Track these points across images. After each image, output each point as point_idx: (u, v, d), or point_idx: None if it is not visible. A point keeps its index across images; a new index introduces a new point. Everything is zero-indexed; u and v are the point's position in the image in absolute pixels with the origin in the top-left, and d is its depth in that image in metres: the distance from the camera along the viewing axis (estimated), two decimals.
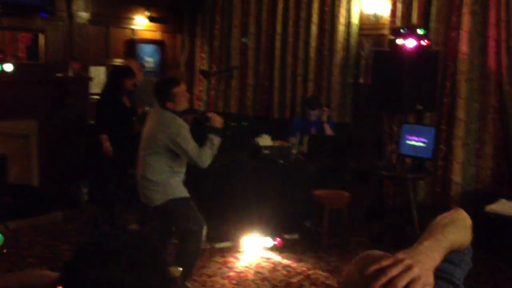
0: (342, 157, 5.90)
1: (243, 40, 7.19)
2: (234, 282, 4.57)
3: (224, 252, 5.15)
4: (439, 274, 1.22)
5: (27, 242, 5.25)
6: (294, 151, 5.73)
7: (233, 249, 5.19)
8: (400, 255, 1.13)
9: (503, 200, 5.00)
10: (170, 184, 4.05)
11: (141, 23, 7.30)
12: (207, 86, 7.81)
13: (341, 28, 6.59)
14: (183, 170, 4.17)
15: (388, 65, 5.73)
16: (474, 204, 5.29)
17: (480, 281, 4.59)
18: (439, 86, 5.80)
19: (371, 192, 5.87)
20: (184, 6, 7.57)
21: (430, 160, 5.57)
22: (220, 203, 5.51)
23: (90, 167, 6.23)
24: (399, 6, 6.06)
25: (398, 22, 6.04)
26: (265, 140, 6.06)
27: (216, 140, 4.07)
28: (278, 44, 7.13)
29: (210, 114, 4.23)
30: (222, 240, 5.25)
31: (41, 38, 6.18)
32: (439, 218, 1.32)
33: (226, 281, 4.56)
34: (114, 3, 6.96)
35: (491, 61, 5.53)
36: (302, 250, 5.29)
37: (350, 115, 6.74)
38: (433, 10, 5.83)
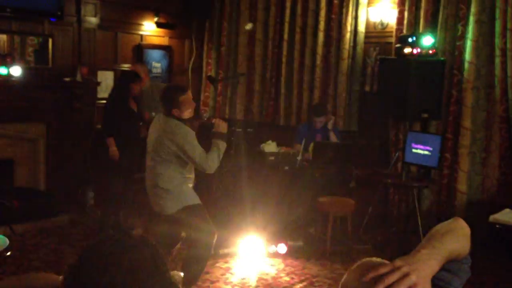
0: (347, 165, 5.91)
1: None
2: None
3: (228, 258, 5.15)
4: (437, 282, 1.22)
5: (33, 245, 5.27)
6: (299, 158, 5.73)
7: (237, 255, 5.20)
8: (397, 262, 1.14)
9: (508, 210, 4.99)
10: (183, 191, 4.04)
11: (149, 28, 7.35)
12: (214, 92, 7.84)
13: (347, 36, 6.60)
14: (193, 175, 4.18)
15: (394, 73, 5.75)
16: (479, 213, 5.29)
17: None
18: (445, 94, 5.81)
19: (376, 200, 5.87)
20: (192, 12, 7.61)
21: (435, 169, 5.56)
22: (225, 209, 5.52)
23: (96, 171, 6.25)
24: (406, 14, 6.07)
25: (405, 31, 6.05)
26: (270, 147, 6.09)
27: (222, 145, 4.07)
28: (285, 51, 7.16)
29: (215, 120, 4.26)
30: (226, 246, 5.24)
31: (50, 43, 6.24)
32: (437, 227, 1.32)
33: (229, 287, 4.57)
34: (122, 8, 7.01)
35: (498, 70, 5.53)
36: (306, 257, 5.28)
37: (356, 123, 6.75)
38: (440, 18, 5.84)
